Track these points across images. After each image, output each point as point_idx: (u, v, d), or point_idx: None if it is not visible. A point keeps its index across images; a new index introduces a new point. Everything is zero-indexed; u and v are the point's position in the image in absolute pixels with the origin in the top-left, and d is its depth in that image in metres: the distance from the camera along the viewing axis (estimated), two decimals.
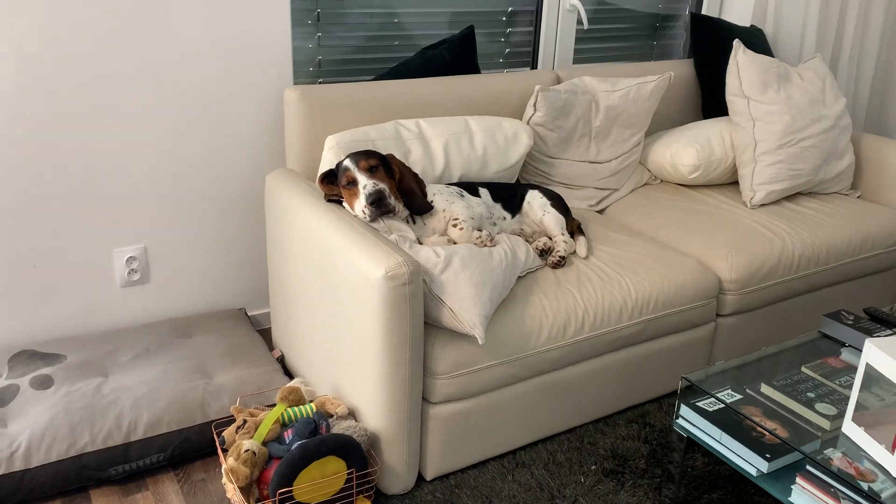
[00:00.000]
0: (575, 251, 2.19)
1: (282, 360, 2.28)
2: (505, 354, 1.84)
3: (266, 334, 2.54)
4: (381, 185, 1.86)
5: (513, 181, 2.47)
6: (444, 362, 1.76)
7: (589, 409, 2.11)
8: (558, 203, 2.26)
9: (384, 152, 2.09)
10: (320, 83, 2.55)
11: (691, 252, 2.33)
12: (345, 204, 1.94)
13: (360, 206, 1.87)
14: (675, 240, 2.40)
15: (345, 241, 1.76)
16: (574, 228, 2.27)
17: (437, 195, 2.02)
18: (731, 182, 2.82)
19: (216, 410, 1.97)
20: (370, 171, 1.89)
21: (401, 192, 1.95)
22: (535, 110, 2.48)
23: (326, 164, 2.10)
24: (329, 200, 1.97)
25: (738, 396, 1.69)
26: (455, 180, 2.29)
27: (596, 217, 2.52)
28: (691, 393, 1.73)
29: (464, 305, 1.72)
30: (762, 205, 2.63)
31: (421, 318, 1.70)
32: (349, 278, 1.73)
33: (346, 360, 1.85)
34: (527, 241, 2.16)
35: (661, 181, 2.86)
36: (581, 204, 2.62)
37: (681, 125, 2.91)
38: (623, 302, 2.02)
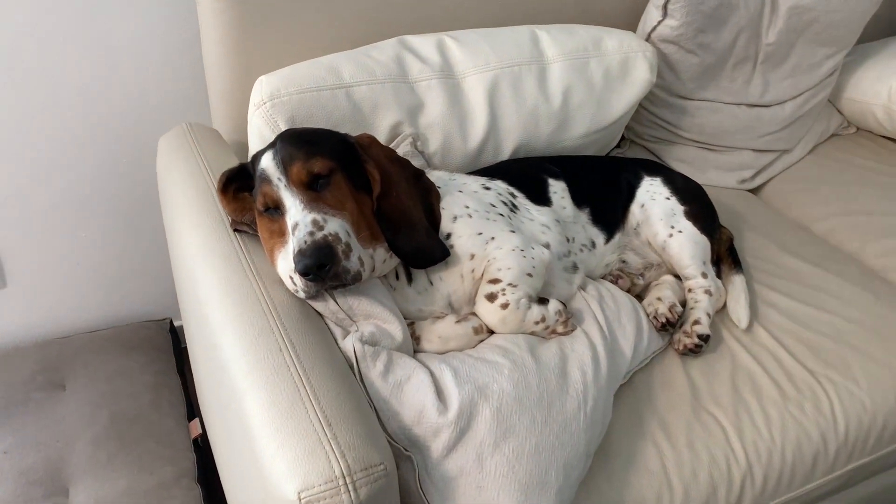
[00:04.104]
0: (725, 306, 1.16)
1: (203, 441, 1.38)
2: None
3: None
4: (331, 229, 0.82)
5: (606, 151, 1.40)
6: None
7: None
8: (698, 207, 1.19)
9: (361, 127, 1.07)
10: None
11: None
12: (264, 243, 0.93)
13: (286, 268, 0.85)
14: None
15: (239, 368, 0.78)
16: (723, 254, 1.22)
17: (461, 219, 0.98)
18: None
19: None
20: (311, 188, 0.86)
21: (383, 221, 0.91)
22: (664, 15, 1.36)
23: (254, 138, 1.08)
24: (238, 230, 0.96)
25: None
26: (507, 156, 1.24)
27: (750, 207, 1.45)
28: None
29: None
30: None
31: None
32: (245, 471, 0.78)
33: None
34: (632, 286, 1.15)
35: (858, 130, 1.73)
36: (727, 179, 1.54)
37: (891, 35, 1.73)
38: (820, 443, 1.02)
